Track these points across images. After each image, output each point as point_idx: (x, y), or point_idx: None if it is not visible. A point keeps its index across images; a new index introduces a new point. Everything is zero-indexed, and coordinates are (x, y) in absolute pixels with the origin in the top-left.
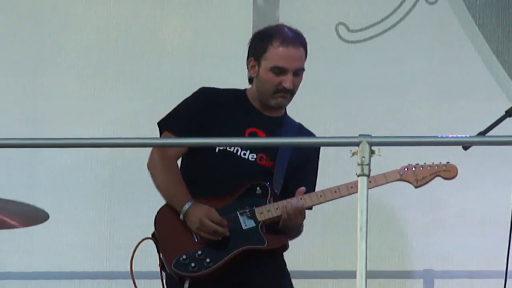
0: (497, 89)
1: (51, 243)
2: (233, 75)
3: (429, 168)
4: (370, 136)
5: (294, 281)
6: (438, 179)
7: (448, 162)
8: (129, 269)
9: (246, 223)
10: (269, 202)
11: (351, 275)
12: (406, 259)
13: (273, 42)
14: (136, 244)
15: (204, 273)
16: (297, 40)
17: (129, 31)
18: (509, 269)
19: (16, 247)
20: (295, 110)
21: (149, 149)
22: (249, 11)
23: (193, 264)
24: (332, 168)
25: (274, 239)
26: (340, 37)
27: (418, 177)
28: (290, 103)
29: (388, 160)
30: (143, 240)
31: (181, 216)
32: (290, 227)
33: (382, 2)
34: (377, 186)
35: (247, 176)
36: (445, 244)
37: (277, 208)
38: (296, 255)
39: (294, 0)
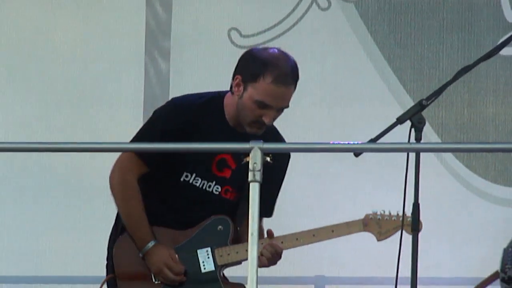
0: (388, 95)
1: None
2: (126, 78)
3: (394, 220)
4: (261, 142)
5: None
6: None
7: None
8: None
9: (206, 266)
10: (230, 242)
11: (243, 280)
12: (297, 265)
13: (266, 75)
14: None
15: None
16: (291, 77)
17: (20, 33)
18: (399, 275)
19: None
20: None
21: (40, 153)
22: (142, 14)
23: None
24: None
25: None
26: (232, 42)
27: (382, 230)
28: None
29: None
30: (108, 278)
31: (141, 254)
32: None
33: (274, 8)
34: (340, 236)
35: (210, 210)
36: (337, 249)
37: (237, 252)
38: None
39: (186, 5)
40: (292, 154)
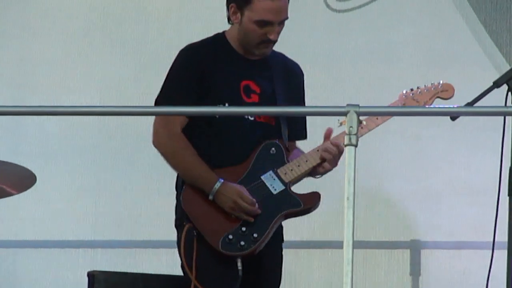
0: (484, 59)
1: (37, 211)
2: None
3: (426, 91)
4: (358, 106)
5: None
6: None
7: (443, 82)
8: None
9: (275, 187)
10: (287, 160)
11: (338, 245)
12: (393, 229)
13: None
14: (183, 236)
15: (255, 248)
16: None
17: None
18: (496, 239)
19: (2, 215)
20: None
21: (135, 117)
22: None
23: (242, 243)
24: (319, 137)
25: (307, 198)
26: (328, 6)
27: (420, 103)
28: None
29: (376, 129)
30: (188, 228)
31: (211, 197)
32: (331, 169)
33: None
34: (385, 121)
35: (252, 136)
36: (433, 214)
37: (299, 165)
38: (283, 225)
39: None
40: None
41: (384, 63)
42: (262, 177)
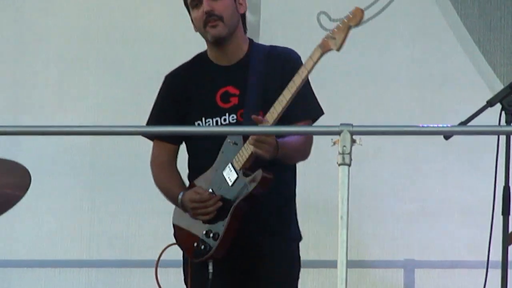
0: (478, 78)
1: (32, 230)
2: None
3: (340, 25)
4: (351, 125)
5: None
6: None
7: (351, 10)
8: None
9: (231, 178)
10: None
11: (332, 264)
12: (387, 249)
13: None
14: (161, 251)
15: (217, 247)
16: None
17: (110, 17)
18: (490, 258)
19: None
20: None
21: (130, 137)
22: None
23: (202, 247)
24: (312, 157)
25: (252, 179)
26: (321, 26)
27: (336, 40)
28: None
29: (369, 148)
30: (168, 246)
31: (182, 210)
32: (267, 159)
33: None
34: (309, 71)
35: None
36: (427, 233)
37: (246, 148)
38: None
39: None
40: (382, 137)
41: (378, 83)
42: (224, 173)
